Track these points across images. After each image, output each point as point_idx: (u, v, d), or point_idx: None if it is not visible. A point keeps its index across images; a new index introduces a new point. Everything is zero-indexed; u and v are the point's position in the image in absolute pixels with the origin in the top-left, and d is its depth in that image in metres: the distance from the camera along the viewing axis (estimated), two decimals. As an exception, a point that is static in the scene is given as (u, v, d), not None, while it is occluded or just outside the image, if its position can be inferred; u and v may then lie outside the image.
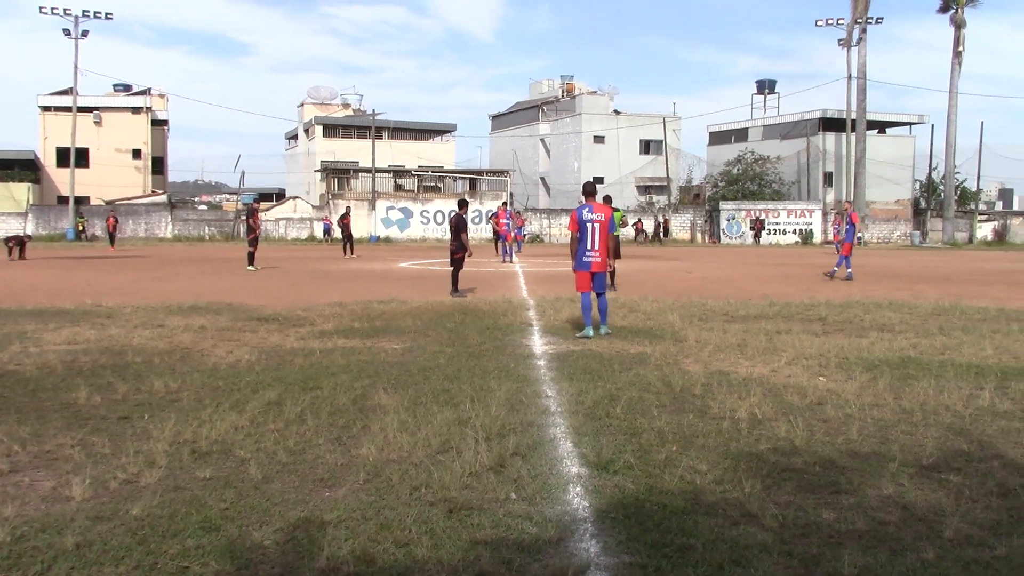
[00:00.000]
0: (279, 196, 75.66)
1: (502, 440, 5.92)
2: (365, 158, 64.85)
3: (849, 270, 23.13)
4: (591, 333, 10.89)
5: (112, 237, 43.53)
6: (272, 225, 60.02)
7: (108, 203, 57.62)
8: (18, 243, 31.29)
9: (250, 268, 25.35)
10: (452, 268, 17.26)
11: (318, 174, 67.68)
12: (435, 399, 7.27)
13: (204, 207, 75.32)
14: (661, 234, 61.69)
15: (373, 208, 58.96)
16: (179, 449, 5.73)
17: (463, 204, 17.80)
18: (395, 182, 64.42)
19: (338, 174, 63.92)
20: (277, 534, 4.28)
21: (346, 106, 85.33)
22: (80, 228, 54.34)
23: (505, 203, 29.53)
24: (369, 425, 6.37)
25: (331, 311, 13.71)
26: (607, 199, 25.25)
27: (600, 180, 75.27)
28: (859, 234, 22.50)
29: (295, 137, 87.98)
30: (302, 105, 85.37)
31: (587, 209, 10.84)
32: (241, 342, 10.58)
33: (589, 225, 10.73)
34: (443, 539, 4.22)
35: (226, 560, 3.97)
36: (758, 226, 61.28)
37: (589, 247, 10.77)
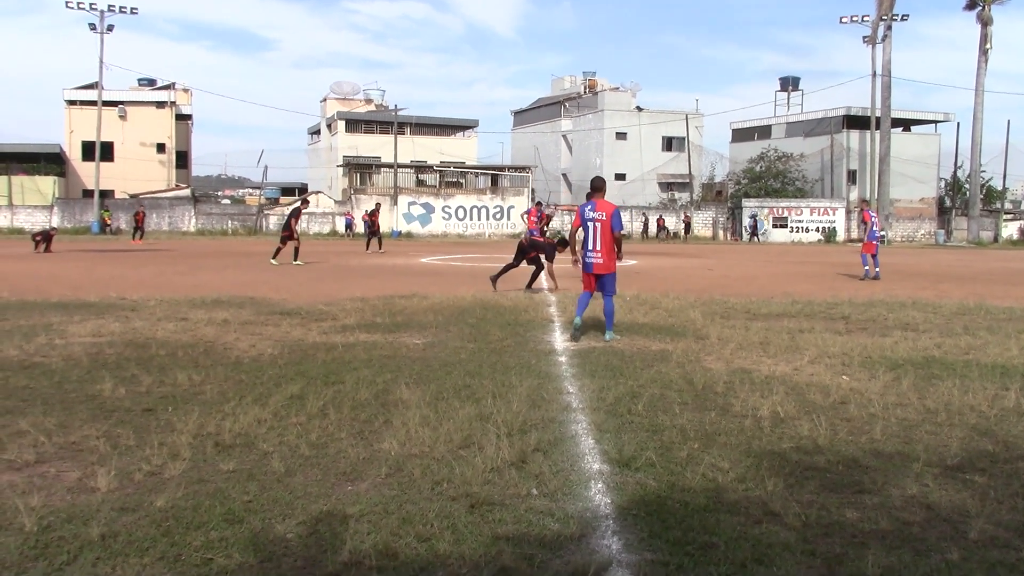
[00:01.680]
0: (301, 191, 75.96)
1: (524, 436, 5.92)
2: (387, 153, 65.04)
3: (877, 269, 22.93)
4: (579, 322, 10.56)
5: (140, 230, 43.87)
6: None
7: (132, 196, 58.05)
8: (45, 238, 31.65)
9: (272, 262, 25.44)
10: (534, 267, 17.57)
11: (340, 169, 68.00)
12: (456, 394, 7.28)
13: (227, 201, 75.84)
14: (683, 231, 61.55)
15: (395, 203, 59.13)
16: (203, 442, 5.76)
17: (539, 204, 17.69)
18: (417, 177, 64.63)
19: (360, 169, 64.21)
20: (300, 527, 4.30)
21: (368, 101, 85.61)
22: (105, 221, 54.73)
23: (539, 203, 29.12)
24: (391, 420, 6.39)
25: (353, 306, 13.76)
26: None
27: (622, 177, 75.31)
28: (881, 232, 21.98)
29: (317, 132, 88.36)
30: (324, 100, 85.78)
31: (589, 207, 10.41)
32: (264, 336, 10.63)
33: (590, 224, 10.32)
34: (465, 534, 4.22)
35: (249, 552, 3.99)
36: (754, 224, 61.22)
37: (590, 247, 10.38)
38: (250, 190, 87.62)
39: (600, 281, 10.72)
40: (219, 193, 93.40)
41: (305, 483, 4.97)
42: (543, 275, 17.92)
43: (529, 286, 17.25)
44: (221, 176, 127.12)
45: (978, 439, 6.12)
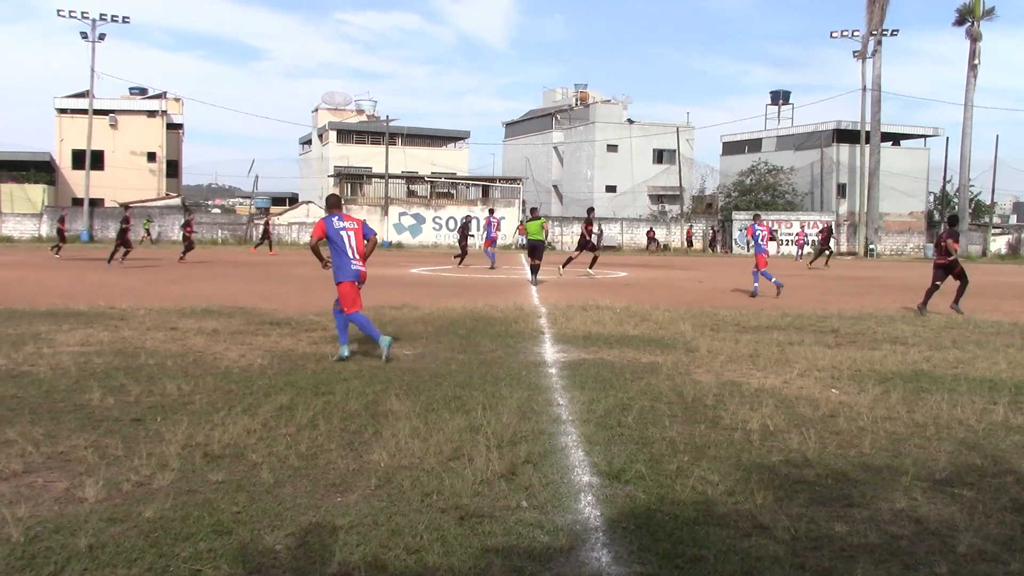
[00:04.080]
0: (292, 201, 75.93)
1: (514, 448, 5.92)
2: (378, 164, 65.02)
3: (756, 284, 20.96)
4: (346, 353, 9.91)
5: (189, 244, 35.89)
6: (285, 229, 60.18)
7: (123, 205, 57.79)
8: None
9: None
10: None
11: (331, 179, 67.90)
12: (446, 406, 7.28)
13: (218, 211, 75.68)
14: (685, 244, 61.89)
15: (386, 214, 59.10)
16: (191, 452, 5.75)
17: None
18: (408, 188, 64.63)
19: (351, 179, 64.22)
20: (289, 538, 4.29)
21: (360, 112, 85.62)
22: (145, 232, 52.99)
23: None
24: (381, 431, 6.39)
25: (343, 316, 13.72)
26: (533, 210, 26.40)
27: (613, 189, 75.46)
28: (771, 242, 19.91)
29: (309, 142, 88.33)
30: (316, 110, 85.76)
31: (336, 218, 10.17)
32: (253, 346, 10.61)
33: (344, 234, 10.06)
34: (454, 546, 4.22)
35: (238, 564, 3.98)
36: (713, 234, 61.52)
37: (351, 256, 10.07)
38: (240, 199, 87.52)
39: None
40: (209, 202, 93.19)
41: (294, 494, 4.96)
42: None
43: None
44: (212, 185, 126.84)
45: (966, 453, 6.14)
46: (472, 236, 40.86)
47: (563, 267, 27.47)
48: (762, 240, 21.12)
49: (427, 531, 4.39)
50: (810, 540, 4.40)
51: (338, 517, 4.58)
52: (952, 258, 16.99)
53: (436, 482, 5.16)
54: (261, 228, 50.06)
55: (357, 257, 10.01)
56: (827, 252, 40.74)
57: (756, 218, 22.97)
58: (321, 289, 20.55)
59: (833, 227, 45.65)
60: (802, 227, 61.29)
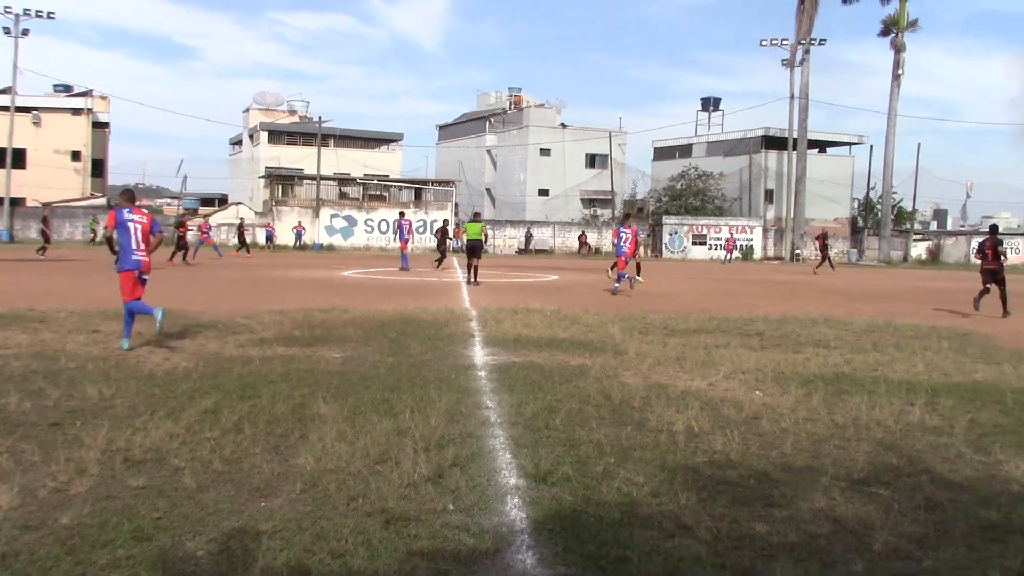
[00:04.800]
0: (222, 201, 74.78)
1: (441, 451, 5.92)
2: (310, 165, 64.34)
3: (616, 284, 22.64)
4: (126, 345, 10.41)
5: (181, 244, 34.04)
6: (214, 231, 59.22)
7: (45, 205, 56.42)
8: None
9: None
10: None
11: (262, 180, 67.05)
12: (375, 409, 7.24)
13: (145, 211, 73.98)
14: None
15: (317, 216, 58.56)
16: (112, 457, 5.63)
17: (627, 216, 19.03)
18: (340, 190, 64.14)
19: (282, 180, 63.48)
20: (211, 544, 4.23)
21: (292, 113, 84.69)
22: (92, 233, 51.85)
23: (628, 214, 30.19)
24: (307, 434, 6.33)
25: (271, 319, 13.59)
26: (476, 214, 27.42)
27: (545, 192, 75.81)
28: (626, 244, 21.31)
29: (240, 143, 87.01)
30: (247, 111, 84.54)
31: (127, 211, 10.74)
32: (179, 349, 10.43)
33: (131, 225, 10.62)
34: (379, 550, 4.20)
35: (158, 571, 3.91)
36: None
37: (135, 247, 10.62)
38: (168, 200, 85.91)
39: (142, 279, 10.85)
40: (137, 203, 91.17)
41: (217, 499, 4.89)
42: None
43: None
44: (139, 185, 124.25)
45: (884, 453, 6.30)
46: (451, 239, 41.46)
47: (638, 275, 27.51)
48: (625, 242, 22.66)
49: (352, 535, 4.37)
50: (732, 540, 4.47)
51: (262, 522, 4.53)
52: (998, 264, 18.48)
53: (362, 486, 5.13)
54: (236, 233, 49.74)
55: (142, 248, 10.65)
56: (825, 259, 41.65)
57: (625, 219, 24.61)
58: (250, 291, 20.31)
59: (827, 234, 47.00)
60: (731, 232, 62.22)
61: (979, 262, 19.05)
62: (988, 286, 18.36)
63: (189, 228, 35.89)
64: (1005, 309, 18.07)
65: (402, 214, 35.35)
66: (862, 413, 7.57)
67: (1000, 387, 9.03)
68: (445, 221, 39.68)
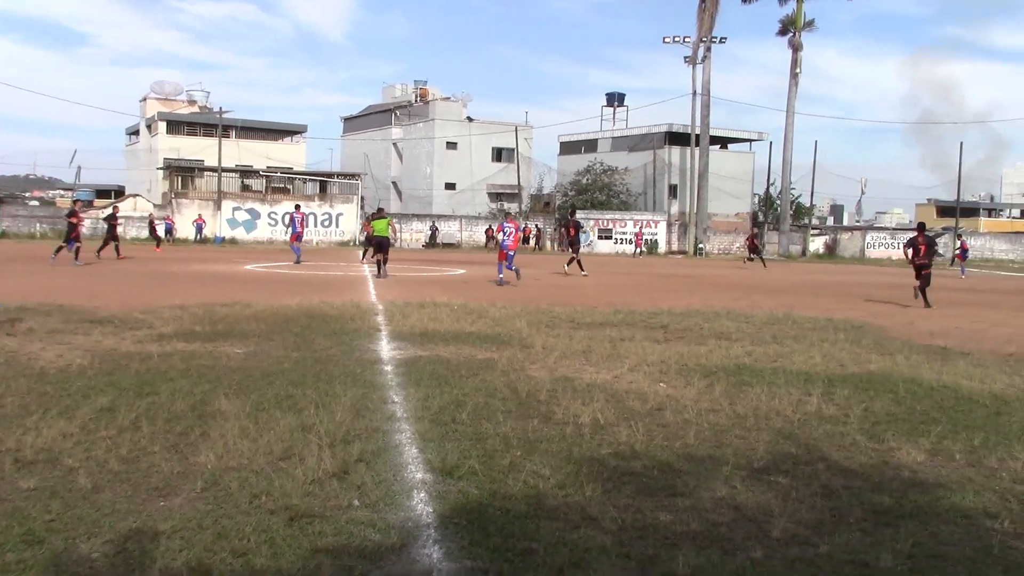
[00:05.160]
0: (118, 193, 72.59)
1: (346, 446, 5.86)
2: (211, 157, 62.90)
3: (500, 275, 24.11)
4: None
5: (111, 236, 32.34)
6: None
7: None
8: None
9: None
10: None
11: (160, 172, 65.30)
12: (278, 405, 7.12)
13: (36, 203, 71.60)
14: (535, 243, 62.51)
15: (219, 208, 57.31)
16: (1, 458, 5.41)
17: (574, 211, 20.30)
18: (242, 182, 62.76)
19: (182, 172, 61.83)
20: (106, 546, 4.10)
21: (192, 103, 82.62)
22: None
23: (297, 205, 30.65)
24: (208, 432, 6.19)
25: (171, 314, 13.25)
26: (379, 210, 27.94)
27: (452, 186, 75.66)
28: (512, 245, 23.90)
29: (136, 133, 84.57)
30: (144, 100, 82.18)
31: None
32: (73, 345, 10.09)
33: None
34: (283, 548, 4.13)
35: (50, 574, 3.78)
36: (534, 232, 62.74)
37: None
38: (61, 191, 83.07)
39: None
40: (27, 194, 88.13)
41: (113, 500, 4.75)
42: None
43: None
44: (29, 176, 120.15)
45: (783, 442, 6.46)
46: (420, 232, 41.63)
47: (568, 265, 29.65)
48: (508, 236, 24.45)
49: (255, 533, 4.29)
50: (636, 530, 4.53)
51: (160, 522, 4.41)
52: (930, 259, 20.16)
53: (265, 483, 5.05)
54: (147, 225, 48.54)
55: None
56: (752, 257, 44.55)
57: (506, 216, 27.22)
58: (149, 286, 19.78)
59: (756, 233, 49.78)
60: (636, 226, 63.00)
61: (907, 257, 20.65)
62: (926, 274, 19.94)
63: (83, 220, 34.00)
64: (925, 301, 19.57)
65: (297, 207, 35.12)
66: (762, 403, 7.75)
67: (893, 377, 9.34)
68: (379, 211, 39.50)
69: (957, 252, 45.38)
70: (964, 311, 18.98)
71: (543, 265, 37.75)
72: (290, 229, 33.30)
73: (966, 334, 14.21)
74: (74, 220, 28.58)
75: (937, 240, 20.67)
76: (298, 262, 31.14)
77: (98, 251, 30.32)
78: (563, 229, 30.38)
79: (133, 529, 4.31)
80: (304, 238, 36.41)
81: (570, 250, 30.41)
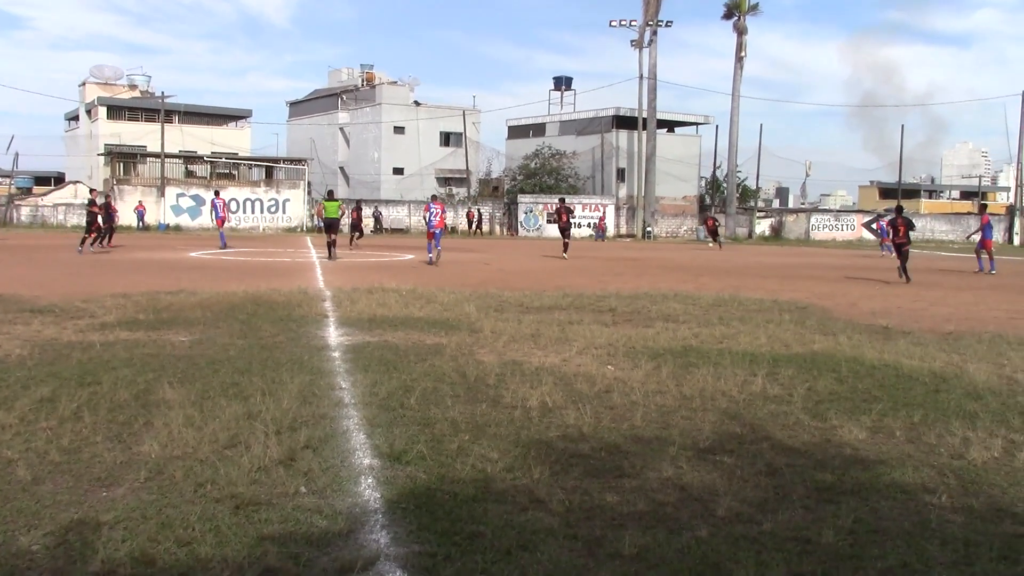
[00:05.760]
0: (58, 180, 71.17)
1: (293, 433, 5.82)
2: (153, 142, 61.79)
3: (431, 255, 25.70)
4: None
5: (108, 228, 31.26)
6: (50, 211, 56.56)
7: None
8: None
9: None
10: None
11: (102, 158, 64.07)
12: (224, 393, 7.04)
13: (-30, 190, 69.70)
14: (475, 227, 62.19)
15: (162, 195, 56.42)
16: (-63, 451, 5.30)
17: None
18: (186, 168, 61.83)
19: (124, 158, 60.68)
20: (47, 538, 4.04)
21: (132, 87, 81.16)
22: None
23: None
24: (152, 421, 6.11)
25: (114, 302, 13.03)
26: (330, 193, 28.90)
27: (400, 171, 75.28)
28: (437, 225, 26.22)
29: (76, 118, 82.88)
30: (84, 85, 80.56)
31: None
32: (11, 335, 9.89)
33: None
34: (228, 536, 4.10)
35: (-12, 568, 3.71)
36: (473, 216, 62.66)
37: None
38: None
39: None
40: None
41: (54, 491, 4.67)
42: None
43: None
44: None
45: (728, 422, 6.54)
46: (369, 218, 41.79)
47: (565, 252, 31.55)
48: (435, 216, 25.78)
49: (200, 522, 4.24)
50: (583, 511, 4.56)
51: (103, 513, 4.35)
52: (907, 239, 22.32)
53: (211, 471, 5.00)
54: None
55: None
56: (716, 240, 46.03)
57: (433, 198, 28.83)
58: (91, 274, 19.44)
59: (716, 219, 51.14)
60: (585, 209, 63.18)
61: (875, 235, 23.57)
62: (905, 251, 22.22)
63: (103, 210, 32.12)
64: (907, 276, 21.95)
65: (217, 193, 35.29)
66: (708, 384, 7.84)
67: (836, 357, 9.49)
68: (359, 202, 40.01)
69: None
70: (905, 290, 19.35)
71: (491, 250, 37.75)
72: (214, 214, 33.30)
73: (907, 313, 14.48)
74: (94, 210, 28.63)
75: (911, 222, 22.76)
76: (224, 247, 31.12)
77: (103, 243, 29.97)
78: (556, 215, 32.83)
79: (75, 520, 4.24)
80: (263, 225, 36.57)
81: (563, 236, 32.39)
